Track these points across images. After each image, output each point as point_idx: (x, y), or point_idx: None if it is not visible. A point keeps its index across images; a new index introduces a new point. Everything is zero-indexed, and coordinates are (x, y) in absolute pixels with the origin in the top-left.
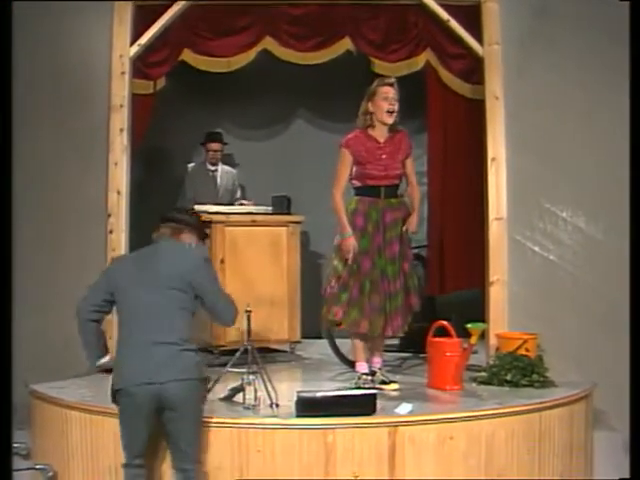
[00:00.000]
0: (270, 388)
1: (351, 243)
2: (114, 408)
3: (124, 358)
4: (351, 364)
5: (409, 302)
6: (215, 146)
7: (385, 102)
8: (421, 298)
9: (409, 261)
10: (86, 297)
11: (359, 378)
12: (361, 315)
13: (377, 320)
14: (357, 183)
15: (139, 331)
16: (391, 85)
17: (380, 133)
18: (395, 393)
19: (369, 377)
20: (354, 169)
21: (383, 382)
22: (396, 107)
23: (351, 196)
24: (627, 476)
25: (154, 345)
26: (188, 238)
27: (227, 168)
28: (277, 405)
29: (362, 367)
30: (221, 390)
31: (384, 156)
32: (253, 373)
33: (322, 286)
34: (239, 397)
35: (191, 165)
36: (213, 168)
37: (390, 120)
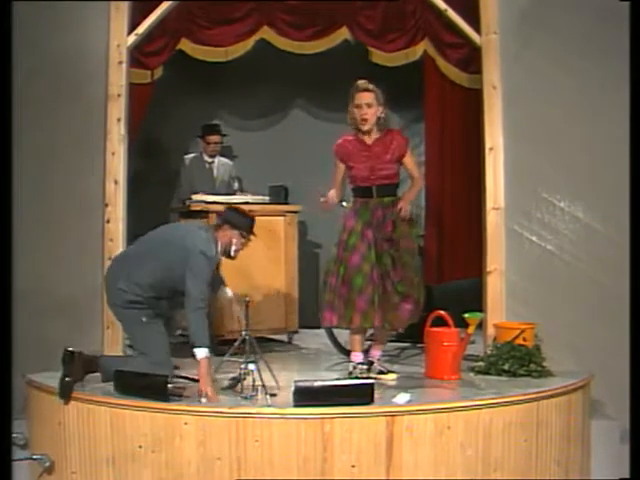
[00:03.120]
0: (268, 378)
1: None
2: (111, 398)
3: None
4: (349, 354)
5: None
6: (214, 138)
7: (358, 110)
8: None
9: (410, 254)
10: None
11: (354, 368)
12: (352, 310)
13: (369, 313)
14: (351, 185)
15: None
16: (365, 90)
17: (368, 135)
18: (393, 383)
19: (364, 367)
20: (347, 172)
21: (381, 372)
22: (369, 113)
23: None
24: (624, 465)
25: None
26: (227, 235)
27: (224, 160)
28: (272, 395)
29: (357, 357)
30: (220, 379)
31: (369, 157)
32: (251, 363)
33: (320, 277)
34: (238, 387)
35: (188, 157)
36: (210, 160)
37: (364, 127)
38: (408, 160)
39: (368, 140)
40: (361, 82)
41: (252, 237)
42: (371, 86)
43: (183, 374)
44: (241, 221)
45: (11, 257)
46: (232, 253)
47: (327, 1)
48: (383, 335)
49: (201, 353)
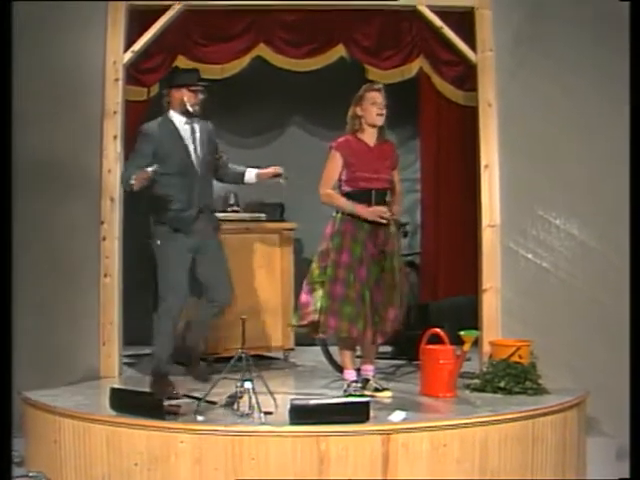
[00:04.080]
0: (264, 396)
1: (368, 210)
2: (106, 416)
3: None
4: (341, 369)
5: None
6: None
7: (374, 106)
8: (412, 306)
9: (399, 261)
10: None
11: (348, 386)
12: (363, 321)
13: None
14: (347, 188)
15: None
16: (379, 90)
17: (369, 138)
18: (388, 400)
19: (358, 384)
20: (344, 173)
21: (376, 390)
22: (384, 111)
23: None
24: None
25: None
26: (177, 97)
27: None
28: (268, 413)
29: (350, 375)
30: (217, 397)
31: (373, 159)
32: (247, 381)
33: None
34: (234, 405)
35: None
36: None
37: (380, 121)
38: (396, 175)
39: (370, 143)
40: (373, 83)
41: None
42: (382, 86)
43: (182, 392)
44: (181, 77)
45: (10, 272)
46: (190, 108)
47: (323, 13)
48: (371, 350)
49: None
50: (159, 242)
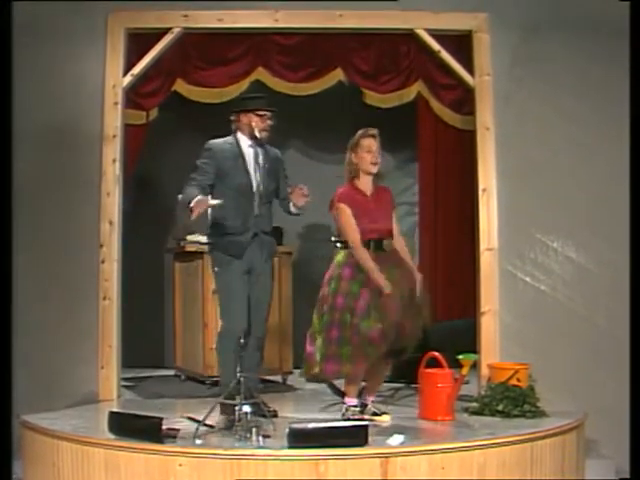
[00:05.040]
0: (263, 419)
1: (386, 283)
2: (105, 439)
3: None
4: (343, 395)
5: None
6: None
7: (369, 155)
8: None
9: None
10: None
11: (347, 410)
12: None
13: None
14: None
15: None
16: (374, 137)
17: (366, 186)
18: (387, 424)
19: (357, 409)
20: None
21: (375, 414)
22: (379, 159)
23: (338, 250)
24: None
25: None
26: (244, 122)
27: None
28: (266, 436)
29: (351, 402)
30: (215, 421)
31: (373, 209)
32: (246, 404)
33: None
34: (233, 428)
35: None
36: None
37: (374, 169)
38: (394, 215)
39: (367, 191)
40: (368, 129)
41: (271, 113)
42: (376, 132)
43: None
44: (249, 102)
45: (10, 295)
46: (257, 134)
47: (321, 37)
48: (377, 383)
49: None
50: (217, 269)
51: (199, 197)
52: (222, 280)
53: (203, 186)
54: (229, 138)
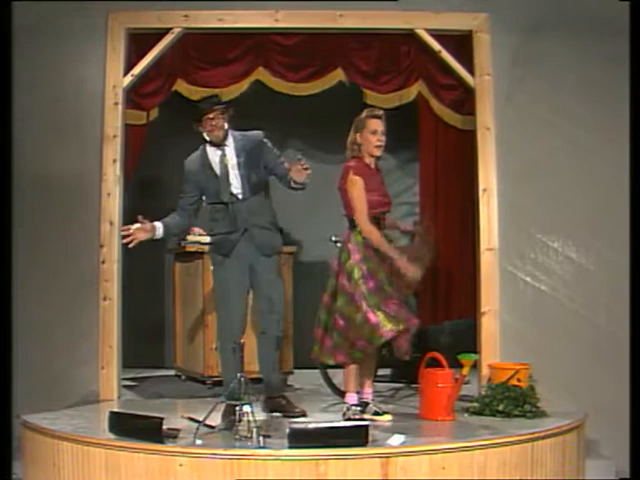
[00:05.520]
0: (263, 419)
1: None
2: (105, 439)
3: None
4: (343, 395)
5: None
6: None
7: (374, 136)
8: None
9: None
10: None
11: (348, 409)
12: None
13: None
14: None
15: None
16: (380, 118)
17: (370, 163)
18: (388, 424)
19: (358, 408)
20: None
21: (376, 413)
22: (384, 141)
23: (354, 229)
24: None
25: None
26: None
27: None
28: (267, 436)
29: (352, 398)
30: (216, 421)
31: (381, 182)
32: (246, 404)
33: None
34: (233, 429)
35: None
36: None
37: (379, 152)
38: None
39: (372, 166)
40: (374, 109)
41: (215, 113)
42: (382, 113)
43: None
44: (197, 110)
45: (10, 296)
46: (207, 137)
47: (321, 37)
48: (371, 367)
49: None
50: (212, 268)
51: (139, 225)
52: (216, 279)
53: (184, 208)
54: (198, 151)
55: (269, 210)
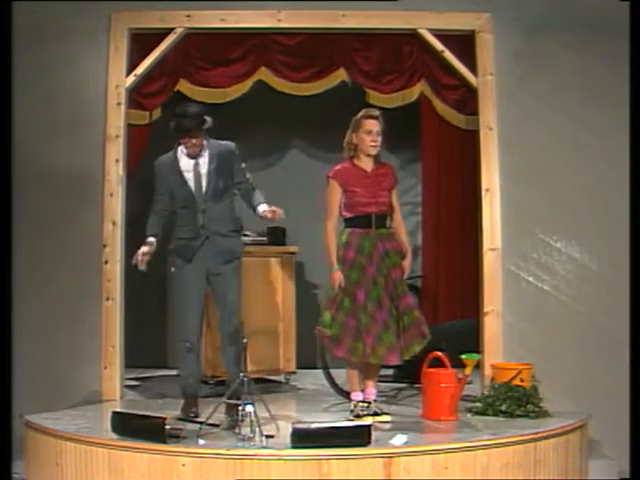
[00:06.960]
0: (266, 419)
1: (337, 278)
2: (108, 439)
3: None
4: (346, 395)
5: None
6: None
7: (368, 136)
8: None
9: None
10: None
11: (355, 406)
12: (362, 344)
13: (377, 349)
14: (347, 214)
15: None
16: (375, 118)
17: (366, 164)
18: (386, 425)
19: (365, 404)
20: (343, 199)
21: (376, 413)
22: (379, 141)
23: (342, 229)
24: None
25: None
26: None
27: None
28: (269, 436)
29: (357, 396)
30: (219, 421)
31: (371, 183)
32: (249, 404)
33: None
34: (236, 428)
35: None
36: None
37: (374, 151)
38: (395, 197)
39: (367, 168)
40: (370, 109)
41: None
42: (379, 113)
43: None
44: (175, 124)
45: (12, 295)
46: (185, 151)
47: (324, 37)
48: (375, 371)
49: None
50: (172, 270)
51: (142, 249)
52: (177, 281)
53: (160, 214)
54: (171, 153)
55: (232, 217)
